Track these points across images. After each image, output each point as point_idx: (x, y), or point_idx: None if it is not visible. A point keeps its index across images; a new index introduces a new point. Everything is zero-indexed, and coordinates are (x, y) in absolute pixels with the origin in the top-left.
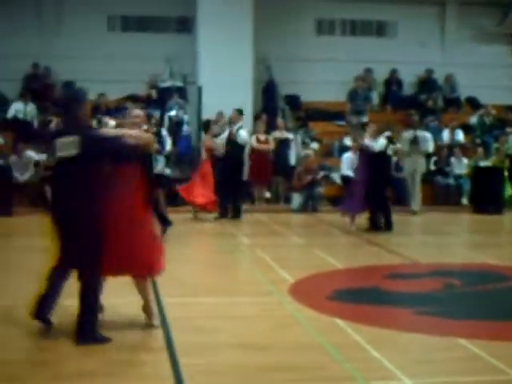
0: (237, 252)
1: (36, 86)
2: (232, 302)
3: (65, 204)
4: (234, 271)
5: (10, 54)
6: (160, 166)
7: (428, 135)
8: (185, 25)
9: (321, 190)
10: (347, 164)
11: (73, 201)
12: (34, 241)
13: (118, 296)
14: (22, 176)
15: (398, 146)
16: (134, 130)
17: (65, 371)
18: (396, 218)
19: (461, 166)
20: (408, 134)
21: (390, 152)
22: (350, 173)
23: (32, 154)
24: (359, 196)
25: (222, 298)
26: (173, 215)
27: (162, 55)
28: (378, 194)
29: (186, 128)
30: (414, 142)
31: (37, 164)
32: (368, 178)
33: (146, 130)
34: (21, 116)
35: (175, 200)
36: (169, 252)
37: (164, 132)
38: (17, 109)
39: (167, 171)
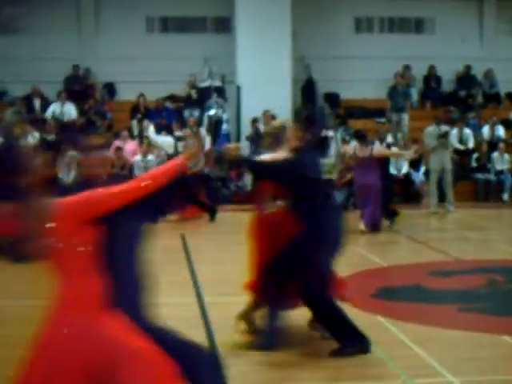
0: None
1: (76, 88)
2: None
3: None
4: None
5: (51, 57)
6: (200, 165)
7: (467, 131)
8: (223, 25)
9: None
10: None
11: None
12: None
13: (169, 296)
14: (68, 177)
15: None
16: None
17: None
18: (436, 214)
19: (503, 161)
20: (434, 129)
21: None
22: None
23: (74, 154)
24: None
25: None
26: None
27: (200, 55)
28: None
29: (224, 127)
30: (443, 137)
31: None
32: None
33: None
34: (58, 116)
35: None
36: (211, 253)
37: (203, 131)
38: (54, 109)
39: (206, 170)
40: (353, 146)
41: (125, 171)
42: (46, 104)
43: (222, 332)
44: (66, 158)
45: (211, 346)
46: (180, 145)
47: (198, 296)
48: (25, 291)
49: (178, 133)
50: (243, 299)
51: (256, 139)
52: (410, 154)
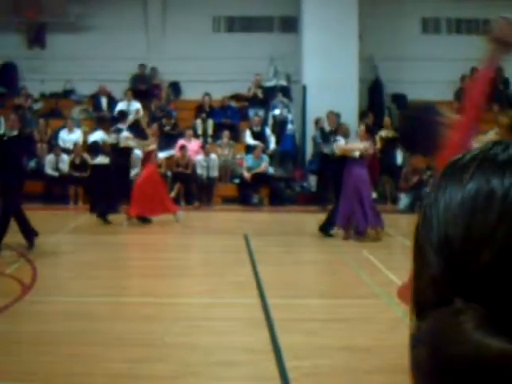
0: (342, 253)
1: (143, 87)
2: (338, 304)
3: None
4: (339, 272)
5: (118, 56)
6: (264, 164)
7: None
8: (289, 24)
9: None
10: None
11: None
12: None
13: (225, 297)
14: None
15: None
16: None
17: (172, 369)
18: None
19: None
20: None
21: None
22: None
23: (139, 152)
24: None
25: (328, 300)
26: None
27: (266, 55)
28: None
29: (289, 127)
30: None
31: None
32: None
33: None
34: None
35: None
36: (274, 254)
37: (268, 131)
38: (121, 108)
39: (270, 170)
40: None
41: (188, 169)
42: (112, 102)
43: (285, 334)
44: None
45: (274, 348)
46: None
47: (262, 297)
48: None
49: None
50: (306, 301)
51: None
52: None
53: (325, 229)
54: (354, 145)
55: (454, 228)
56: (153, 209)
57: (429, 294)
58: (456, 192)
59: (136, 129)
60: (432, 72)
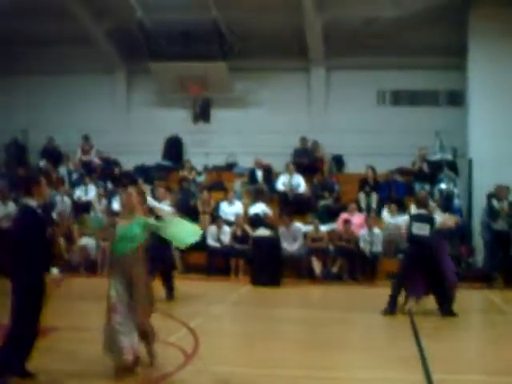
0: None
1: (305, 160)
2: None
3: None
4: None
5: (280, 130)
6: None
7: None
8: (454, 98)
9: None
10: None
11: None
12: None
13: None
14: (291, 247)
15: None
16: None
17: None
18: None
19: None
20: None
21: None
22: None
23: (300, 226)
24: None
25: (495, 378)
26: None
27: (431, 128)
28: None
29: (456, 201)
30: None
31: (304, 236)
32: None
33: None
34: (286, 188)
35: None
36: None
37: (433, 205)
38: (283, 181)
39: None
40: None
41: (351, 244)
42: (268, 175)
43: None
44: None
45: None
46: None
47: (427, 373)
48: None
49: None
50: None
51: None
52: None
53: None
54: None
55: None
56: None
57: None
58: None
59: None
60: None
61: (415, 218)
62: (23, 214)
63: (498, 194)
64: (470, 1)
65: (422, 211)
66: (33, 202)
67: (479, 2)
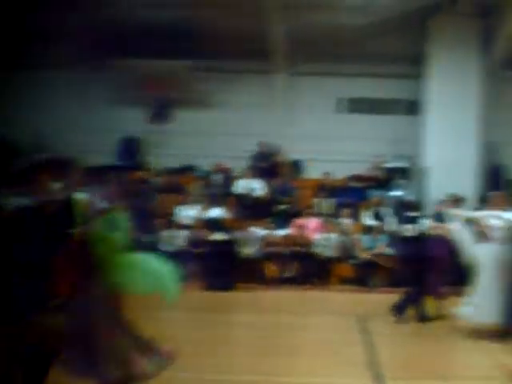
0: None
1: (264, 165)
2: None
3: None
4: (452, 353)
5: (240, 133)
6: (382, 245)
7: None
8: (412, 107)
9: None
10: None
11: None
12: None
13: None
14: (247, 251)
15: None
16: None
17: None
18: None
19: None
20: None
21: None
22: None
23: (257, 230)
24: None
25: (441, 382)
26: None
27: (388, 136)
28: None
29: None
30: None
31: (260, 239)
32: None
33: None
34: (244, 192)
35: None
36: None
37: (387, 212)
38: (242, 185)
39: (388, 250)
40: None
41: (305, 249)
42: (226, 179)
43: None
44: None
45: None
46: None
47: (376, 378)
48: None
49: None
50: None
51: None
52: None
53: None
54: None
55: None
56: None
57: None
58: None
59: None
60: None
61: None
62: None
63: (449, 202)
64: (429, 10)
65: None
66: None
67: (438, 12)
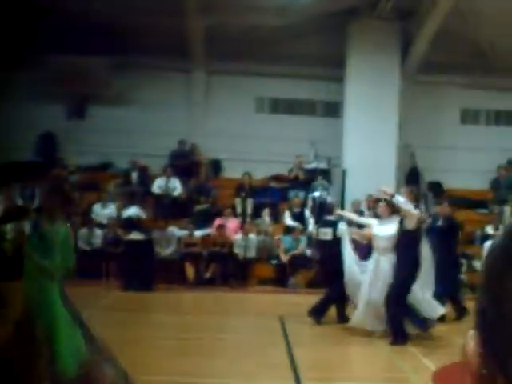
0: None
1: (181, 163)
2: None
3: None
4: (372, 356)
5: (158, 131)
6: (302, 246)
7: None
8: (332, 108)
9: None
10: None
11: None
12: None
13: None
14: (165, 251)
15: None
16: None
17: None
18: None
19: None
20: None
21: None
22: None
23: (175, 230)
24: None
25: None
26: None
27: (308, 137)
28: None
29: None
30: None
31: (179, 240)
32: None
33: None
34: (163, 191)
35: None
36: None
37: (307, 213)
38: (159, 184)
39: (308, 251)
40: None
41: (225, 249)
42: (144, 177)
43: None
44: None
45: None
46: None
47: (297, 380)
48: None
49: None
50: None
51: None
52: None
53: None
54: None
55: None
56: None
57: None
58: None
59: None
60: (469, 161)
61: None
62: None
63: (368, 204)
64: (350, 13)
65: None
66: None
67: (358, 15)
